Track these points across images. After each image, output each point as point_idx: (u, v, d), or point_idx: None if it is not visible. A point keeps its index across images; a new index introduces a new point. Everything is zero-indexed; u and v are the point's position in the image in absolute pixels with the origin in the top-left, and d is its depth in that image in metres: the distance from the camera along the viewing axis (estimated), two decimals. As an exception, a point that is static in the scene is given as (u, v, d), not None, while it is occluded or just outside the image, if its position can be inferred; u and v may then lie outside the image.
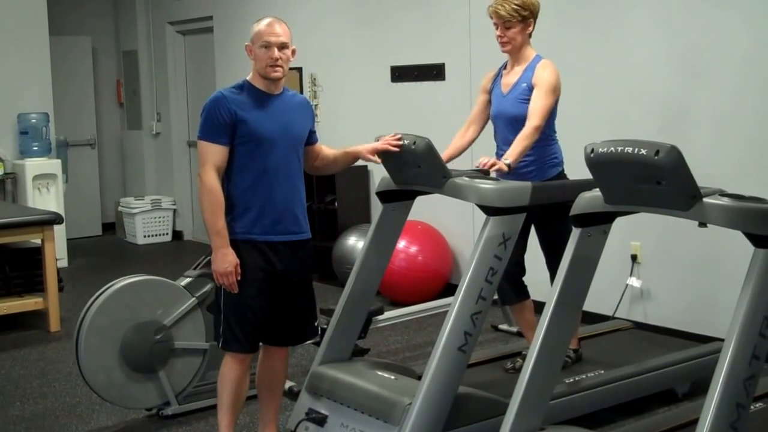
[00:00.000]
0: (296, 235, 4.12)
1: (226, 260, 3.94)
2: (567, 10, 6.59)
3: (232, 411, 4.14)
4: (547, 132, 4.71)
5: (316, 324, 4.40)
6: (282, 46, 4.01)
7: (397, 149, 4.29)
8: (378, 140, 4.39)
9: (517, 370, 4.89)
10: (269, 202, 4.02)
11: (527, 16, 4.71)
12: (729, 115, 5.69)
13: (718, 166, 5.58)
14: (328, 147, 4.44)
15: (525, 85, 4.73)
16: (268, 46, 3.98)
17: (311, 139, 4.29)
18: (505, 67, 4.91)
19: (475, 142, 5.07)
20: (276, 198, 4.04)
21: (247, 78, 4.11)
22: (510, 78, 4.83)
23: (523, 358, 4.92)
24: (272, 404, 4.34)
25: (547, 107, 4.62)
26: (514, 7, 4.66)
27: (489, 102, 4.96)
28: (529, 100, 4.68)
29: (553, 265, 4.75)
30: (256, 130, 3.98)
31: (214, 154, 3.96)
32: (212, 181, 3.95)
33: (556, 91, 4.68)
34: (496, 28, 4.77)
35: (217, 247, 3.96)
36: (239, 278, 3.97)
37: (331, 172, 4.63)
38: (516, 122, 4.69)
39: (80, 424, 4.99)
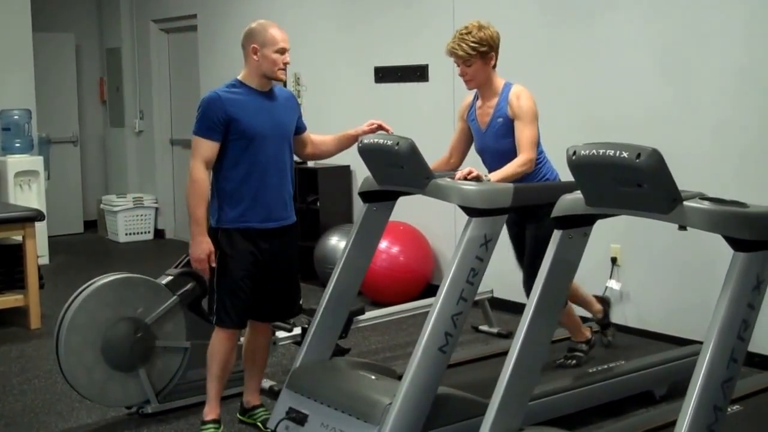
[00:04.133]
0: (284, 220, 4.49)
1: (200, 248, 4.33)
2: (553, 10, 6.61)
3: (220, 380, 4.53)
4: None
5: (300, 302, 4.76)
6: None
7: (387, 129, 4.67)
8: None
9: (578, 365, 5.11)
10: (261, 194, 4.38)
11: (487, 51, 4.62)
12: (720, 120, 5.72)
13: (707, 171, 5.63)
14: (318, 135, 4.81)
15: (501, 119, 4.69)
16: (283, 51, 4.35)
17: (300, 128, 4.65)
18: (477, 97, 4.85)
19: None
20: (267, 189, 4.39)
21: (239, 77, 4.43)
22: (484, 112, 4.77)
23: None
24: (256, 375, 4.78)
25: (534, 136, 4.60)
26: (472, 45, 4.58)
27: (468, 129, 4.93)
28: (508, 133, 4.65)
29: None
30: (249, 127, 4.32)
31: (206, 149, 4.30)
32: (200, 173, 4.29)
33: (536, 116, 4.65)
34: (457, 66, 4.71)
35: (194, 235, 4.33)
36: (213, 264, 4.34)
37: (327, 156, 4.91)
38: (501, 156, 4.65)
39: (60, 422, 4.98)
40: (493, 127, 4.72)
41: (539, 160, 4.73)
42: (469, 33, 4.62)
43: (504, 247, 4.79)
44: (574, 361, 5.09)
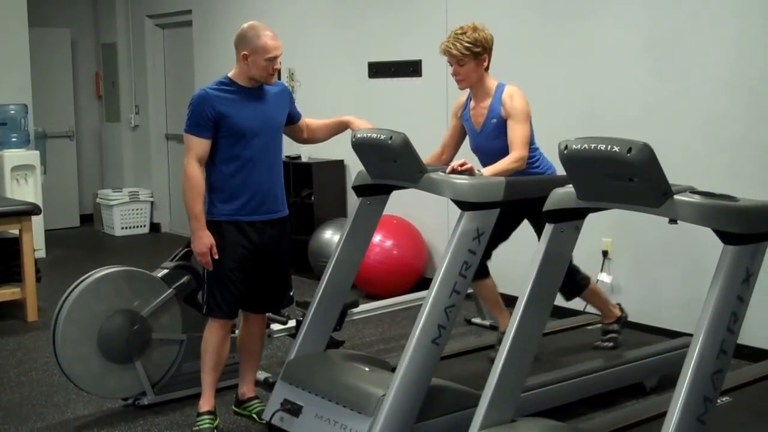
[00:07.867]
0: (275, 213, 4.57)
1: (201, 242, 4.40)
2: (545, 8, 6.64)
3: (214, 371, 4.60)
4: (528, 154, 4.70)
5: (291, 294, 4.81)
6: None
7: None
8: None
9: None
10: (251, 187, 4.45)
11: (480, 53, 4.66)
12: (710, 115, 5.75)
13: (698, 165, 5.67)
14: (313, 120, 4.89)
15: (495, 120, 4.72)
16: (274, 59, 4.38)
17: (295, 117, 4.74)
18: (471, 98, 4.88)
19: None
20: (258, 183, 4.46)
21: (229, 75, 4.48)
22: (478, 113, 4.81)
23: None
24: (251, 365, 4.84)
25: (527, 135, 4.63)
26: (466, 45, 4.63)
27: (461, 127, 4.97)
28: (501, 134, 4.69)
29: None
30: (238, 124, 4.38)
31: (197, 146, 4.37)
32: (194, 170, 4.36)
33: (529, 116, 4.69)
34: (450, 65, 4.75)
35: (194, 230, 4.42)
36: (216, 257, 4.40)
37: (322, 140, 4.97)
38: (496, 155, 4.67)
39: (57, 413, 5.01)
40: (488, 127, 4.76)
41: (534, 157, 4.77)
42: (464, 33, 4.66)
43: (497, 241, 4.84)
44: (611, 344, 5.19)
